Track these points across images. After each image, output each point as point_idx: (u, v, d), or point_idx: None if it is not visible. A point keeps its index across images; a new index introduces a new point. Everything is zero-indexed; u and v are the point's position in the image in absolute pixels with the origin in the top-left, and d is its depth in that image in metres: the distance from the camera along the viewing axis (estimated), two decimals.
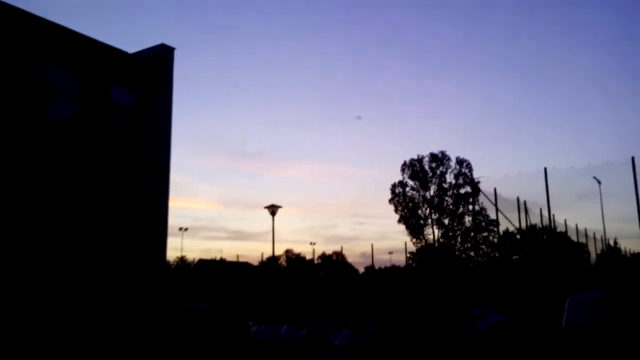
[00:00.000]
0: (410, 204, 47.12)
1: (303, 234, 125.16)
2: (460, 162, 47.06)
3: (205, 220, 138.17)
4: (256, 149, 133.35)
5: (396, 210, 47.48)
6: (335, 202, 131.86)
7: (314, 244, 75.21)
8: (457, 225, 46.33)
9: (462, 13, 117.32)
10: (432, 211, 46.65)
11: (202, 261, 66.83)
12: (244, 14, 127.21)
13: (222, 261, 68.69)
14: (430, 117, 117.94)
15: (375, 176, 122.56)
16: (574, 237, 39.97)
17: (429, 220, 46.79)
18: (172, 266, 66.04)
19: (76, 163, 15.66)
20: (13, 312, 13.58)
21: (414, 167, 47.67)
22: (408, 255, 46.70)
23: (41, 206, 14.64)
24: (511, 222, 30.76)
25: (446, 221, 46.36)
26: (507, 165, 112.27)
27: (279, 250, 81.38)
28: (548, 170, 26.57)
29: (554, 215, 28.72)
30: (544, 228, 36.01)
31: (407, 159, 47.98)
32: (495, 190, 29.93)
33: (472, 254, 45.53)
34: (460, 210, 46.30)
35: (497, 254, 41.09)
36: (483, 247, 44.50)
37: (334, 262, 71.54)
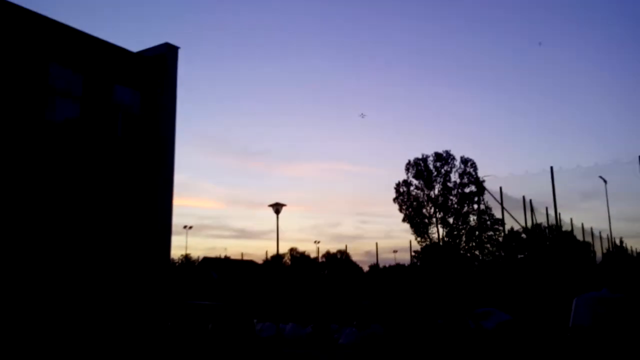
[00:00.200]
0: (414, 203, 47.01)
1: (307, 232, 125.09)
2: (464, 161, 46.92)
3: (210, 218, 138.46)
4: (261, 148, 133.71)
5: (401, 209, 47.42)
6: (339, 201, 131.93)
7: (319, 242, 75.52)
8: (462, 224, 46.19)
9: (467, 14, 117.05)
10: (437, 210, 46.53)
11: (206, 259, 66.82)
12: (251, 15, 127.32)
13: (227, 259, 68.67)
14: (435, 117, 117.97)
15: (380, 175, 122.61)
16: (579, 236, 39.75)
17: (434, 219, 46.69)
18: (177, 264, 66.06)
19: (80, 162, 15.67)
20: (21, 307, 13.58)
21: (418, 167, 47.55)
22: (413, 254, 46.57)
23: (46, 205, 14.65)
24: (517, 221, 30.62)
25: (451, 220, 46.23)
26: (513, 164, 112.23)
27: (284, 249, 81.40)
28: (554, 169, 26.37)
29: (559, 214, 28.56)
30: (549, 227, 35.82)
31: (412, 158, 47.89)
32: (500, 189, 29.79)
33: (477, 252, 45.37)
34: (465, 209, 46.17)
35: (502, 253, 40.91)
36: (488, 246, 44.34)
37: (339, 261, 71.48)
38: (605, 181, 33.25)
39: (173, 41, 18.91)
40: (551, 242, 36.27)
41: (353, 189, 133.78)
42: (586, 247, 41.91)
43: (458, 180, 46.63)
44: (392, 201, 47.90)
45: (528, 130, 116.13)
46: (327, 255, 74.88)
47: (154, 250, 17.45)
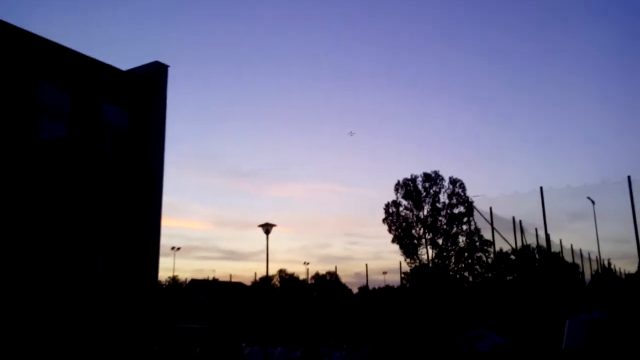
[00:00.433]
0: (404, 224, 46.88)
1: (296, 253, 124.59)
2: (453, 182, 47.02)
3: (198, 240, 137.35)
4: (250, 168, 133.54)
5: (390, 230, 47.23)
6: (328, 222, 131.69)
7: (308, 263, 74.71)
8: (451, 245, 46.06)
9: (455, 34, 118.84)
10: (426, 231, 46.41)
11: (194, 281, 66.02)
12: (241, 35, 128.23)
13: (215, 281, 67.91)
14: (424, 137, 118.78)
15: (369, 196, 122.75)
16: (568, 257, 39.82)
17: (423, 240, 46.53)
18: (164, 286, 65.16)
19: (67, 181, 15.43)
20: (6, 328, 13.16)
21: (407, 187, 47.55)
22: (402, 275, 46.33)
23: (33, 225, 14.35)
24: (507, 242, 30.62)
25: (440, 241, 46.10)
26: (503, 184, 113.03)
27: (273, 270, 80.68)
28: (544, 189, 26.45)
29: (548, 235, 28.61)
30: (538, 248, 35.85)
31: (401, 179, 47.91)
32: (490, 209, 29.83)
33: (466, 274, 45.21)
34: (454, 230, 46.08)
35: (490, 275, 40.81)
36: (477, 267, 44.23)
37: (328, 282, 70.95)
38: (593, 202, 33.44)
39: (163, 60, 18.85)
40: (540, 263, 36.28)
41: (342, 210, 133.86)
42: (575, 269, 41.97)
43: (447, 201, 46.68)
44: (381, 222, 47.75)
45: (518, 151, 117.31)
46: (317, 276, 74.44)
47: (142, 272, 17.13)
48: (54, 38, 16.10)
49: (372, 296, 50.75)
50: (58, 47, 15.98)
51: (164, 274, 73.49)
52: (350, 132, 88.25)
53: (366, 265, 45.08)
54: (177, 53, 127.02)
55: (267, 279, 49.89)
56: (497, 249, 36.16)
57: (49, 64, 15.54)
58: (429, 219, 46.43)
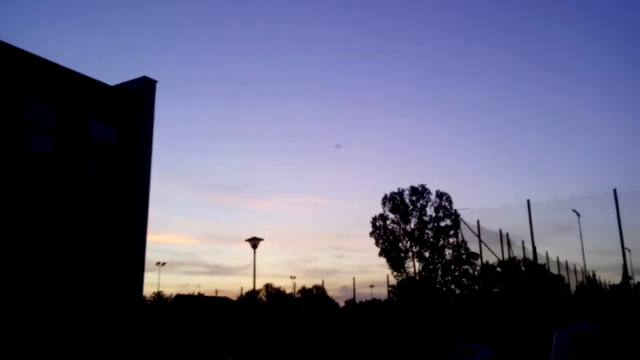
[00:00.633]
0: (391, 237, 46.94)
1: (282, 267, 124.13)
2: (440, 195, 47.29)
3: (183, 254, 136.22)
4: (234, 182, 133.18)
5: (377, 244, 47.23)
6: (314, 236, 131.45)
7: (294, 277, 74.34)
8: (438, 258, 46.20)
9: (443, 47, 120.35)
10: (413, 244, 46.51)
11: (179, 296, 65.41)
12: (226, 50, 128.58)
13: (200, 296, 67.34)
14: (411, 150, 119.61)
15: (356, 209, 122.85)
16: (554, 269, 40.17)
17: (410, 253, 46.64)
18: (149, 302, 64.40)
19: (53, 196, 15.28)
20: None
21: (394, 201, 47.70)
22: (389, 288, 46.35)
23: (16, 240, 14.15)
24: (494, 254, 30.82)
25: (427, 254, 46.18)
26: (490, 197, 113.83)
27: (259, 285, 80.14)
28: (531, 202, 26.70)
29: (535, 248, 28.85)
30: (524, 260, 36.11)
31: (388, 192, 48.10)
32: (478, 222, 30.04)
33: (453, 286, 45.35)
34: (441, 243, 46.27)
35: (477, 287, 40.98)
36: (464, 280, 44.40)
37: (315, 296, 70.66)
38: (578, 215, 33.83)
39: (148, 75, 18.81)
40: (526, 275, 36.51)
41: (328, 223, 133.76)
42: (560, 281, 42.33)
43: (434, 214, 46.93)
44: (368, 235, 47.79)
45: (505, 164, 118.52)
46: (303, 290, 74.08)
47: (127, 287, 16.95)
48: (44, 54, 16.06)
49: (359, 310, 50.60)
50: (45, 62, 15.91)
51: (148, 290, 72.78)
52: (337, 144, 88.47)
53: (353, 278, 44.97)
54: (160, 69, 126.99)
55: (254, 293, 49.55)
56: (484, 261, 36.38)
57: (35, 80, 15.45)
58: (416, 232, 46.59)
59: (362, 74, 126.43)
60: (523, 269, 37.89)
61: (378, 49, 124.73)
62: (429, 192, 47.44)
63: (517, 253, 34.14)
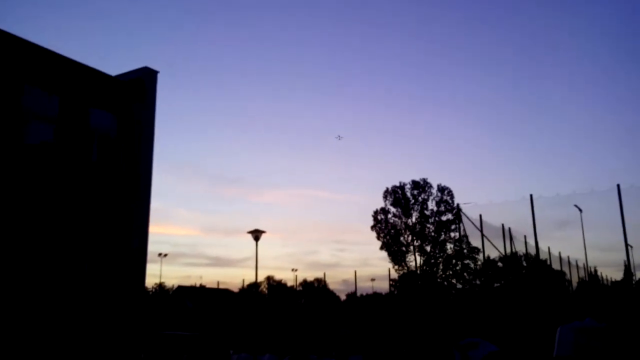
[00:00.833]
0: (392, 231, 46.99)
1: (284, 260, 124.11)
2: (441, 189, 47.26)
3: (184, 246, 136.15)
4: (237, 174, 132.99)
5: (378, 237, 47.30)
6: (316, 229, 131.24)
7: (296, 270, 74.32)
8: (439, 253, 46.24)
9: (445, 41, 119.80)
10: (414, 238, 46.56)
11: (181, 288, 65.55)
12: (227, 41, 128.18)
13: (202, 288, 67.48)
14: (413, 144, 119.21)
15: (357, 202, 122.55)
16: (556, 265, 40.07)
17: (411, 247, 46.65)
18: (151, 293, 64.55)
19: (54, 185, 15.22)
20: None
21: (396, 194, 47.70)
22: (391, 282, 46.36)
23: (19, 229, 14.12)
24: (497, 249, 30.70)
25: (428, 248, 46.26)
26: (493, 192, 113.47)
27: (260, 277, 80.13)
28: (534, 197, 26.52)
29: (537, 243, 28.73)
30: (526, 255, 36.04)
31: (390, 186, 48.05)
32: (480, 216, 29.89)
33: (454, 281, 45.35)
34: (442, 237, 46.29)
35: (478, 282, 40.94)
36: (465, 274, 44.38)
37: (316, 289, 70.74)
38: (580, 210, 33.66)
39: (149, 65, 18.66)
40: (527, 270, 36.45)
41: (330, 217, 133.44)
42: (561, 276, 42.26)
43: (435, 209, 46.90)
44: (369, 229, 47.83)
45: (508, 158, 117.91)
46: (304, 283, 74.12)
47: (129, 278, 16.94)
48: (45, 44, 15.94)
49: (360, 303, 50.67)
50: (45, 51, 15.82)
51: (150, 281, 72.88)
52: (338, 136, 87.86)
53: (355, 272, 44.99)
54: (162, 59, 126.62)
55: (256, 285, 49.65)
56: (486, 256, 36.29)
57: (36, 68, 15.37)
58: (417, 226, 46.61)
59: (365, 66, 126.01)
60: (524, 264, 37.80)
61: (380, 42, 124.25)
62: (431, 186, 47.49)
63: (519, 248, 34.03)
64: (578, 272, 45.81)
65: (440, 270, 46.19)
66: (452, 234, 45.05)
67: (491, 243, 29.40)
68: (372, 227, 47.56)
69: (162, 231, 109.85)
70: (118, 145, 17.36)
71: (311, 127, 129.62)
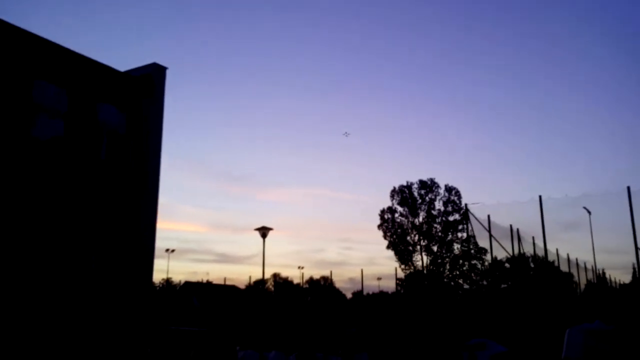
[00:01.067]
0: (399, 230, 46.90)
1: (290, 258, 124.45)
2: (449, 189, 47.10)
3: (192, 242, 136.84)
4: (244, 172, 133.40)
5: (385, 236, 47.23)
6: (323, 227, 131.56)
7: (302, 268, 74.44)
8: (446, 253, 46.10)
9: (453, 43, 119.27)
10: (421, 238, 46.44)
11: (188, 284, 65.84)
12: (236, 39, 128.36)
13: (209, 284, 67.77)
14: (421, 144, 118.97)
15: (364, 201, 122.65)
16: (564, 266, 39.87)
17: (418, 247, 46.54)
18: (158, 288, 64.88)
19: (63, 182, 15.28)
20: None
21: (403, 194, 47.60)
22: (397, 281, 46.30)
23: (27, 225, 14.20)
24: (505, 250, 30.59)
25: (435, 248, 46.13)
26: (501, 193, 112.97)
27: (267, 274, 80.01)
28: (542, 198, 26.39)
29: (545, 244, 28.60)
30: (534, 257, 35.87)
31: (397, 185, 47.96)
32: (489, 217, 29.79)
33: (461, 281, 45.20)
34: (449, 237, 46.14)
35: (485, 282, 40.77)
36: (472, 274, 44.21)
37: (322, 287, 70.78)
38: (589, 212, 33.45)
39: (158, 61, 18.64)
40: (535, 272, 36.26)
41: (337, 215, 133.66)
42: (569, 278, 42.02)
43: (442, 208, 46.77)
44: (376, 228, 47.77)
45: (517, 159, 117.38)
46: (311, 281, 74.23)
47: (136, 273, 16.99)
48: (54, 39, 16.01)
49: (366, 302, 50.63)
50: (55, 46, 15.87)
51: (157, 276, 73.27)
52: (346, 132, 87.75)
53: (361, 270, 44.99)
54: (171, 56, 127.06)
55: (263, 282, 49.75)
56: (494, 256, 36.16)
57: (45, 63, 15.43)
58: (424, 226, 46.48)
59: (373, 66, 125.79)
60: (532, 265, 37.63)
61: (389, 42, 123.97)
62: (438, 186, 47.37)
63: (527, 249, 33.88)
64: (586, 274, 45.56)
65: (447, 271, 46.05)
66: (460, 234, 44.93)
67: (499, 243, 29.28)
68: (379, 226, 47.52)
69: (169, 227, 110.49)
70: (127, 141, 17.39)
71: (319, 126, 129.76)
